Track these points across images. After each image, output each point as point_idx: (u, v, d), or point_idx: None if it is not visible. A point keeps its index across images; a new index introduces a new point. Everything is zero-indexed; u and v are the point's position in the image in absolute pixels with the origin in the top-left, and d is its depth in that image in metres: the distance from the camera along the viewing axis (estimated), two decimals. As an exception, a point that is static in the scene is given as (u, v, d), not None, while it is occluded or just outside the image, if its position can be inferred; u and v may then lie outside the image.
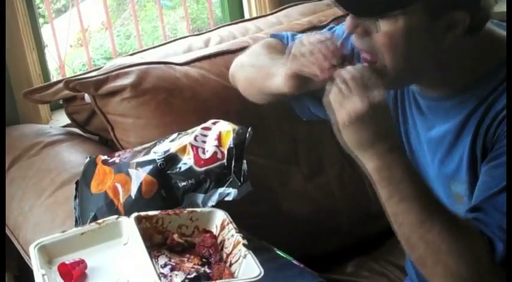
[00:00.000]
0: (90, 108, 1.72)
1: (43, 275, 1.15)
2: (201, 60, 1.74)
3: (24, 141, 1.77)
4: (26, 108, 1.91)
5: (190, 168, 1.33)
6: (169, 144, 1.39)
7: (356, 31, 1.15)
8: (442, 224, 1.07)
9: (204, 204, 1.31)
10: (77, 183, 1.45)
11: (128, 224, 1.24)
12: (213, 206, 1.30)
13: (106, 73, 1.64)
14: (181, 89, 1.65)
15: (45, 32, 2.27)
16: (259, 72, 1.37)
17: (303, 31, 1.86)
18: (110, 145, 1.76)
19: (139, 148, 1.44)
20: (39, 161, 1.70)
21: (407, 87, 1.27)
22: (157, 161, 1.34)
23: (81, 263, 1.20)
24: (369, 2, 1.11)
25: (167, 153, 1.35)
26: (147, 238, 1.21)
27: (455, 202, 1.22)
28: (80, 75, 1.73)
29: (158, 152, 1.37)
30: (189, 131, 1.42)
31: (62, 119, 1.96)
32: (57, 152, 1.72)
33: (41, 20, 2.25)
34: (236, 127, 1.38)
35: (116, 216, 1.28)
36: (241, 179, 1.31)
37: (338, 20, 1.93)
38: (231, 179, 1.31)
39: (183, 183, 1.32)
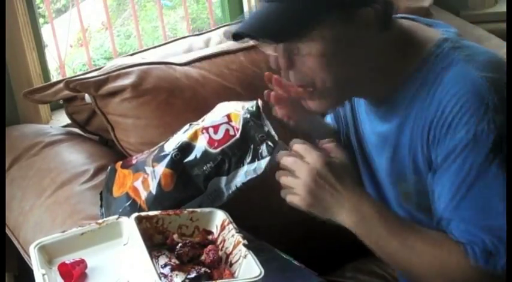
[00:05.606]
0: (90, 108, 1.72)
1: (43, 275, 1.15)
2: (201, 60, 1.74)
3: (24, 141, 1.76)
4: (26, 108, 1.91)
5: (205, 152, 1.31)
6: (182, 136, 1.37)
7: (285, 64, 1.15)
8: (417, 239, 1.14)
9: (228, 187, 1.30)
10: (100, 193, 1.44)
11: (128, 224, 1.24)
12: (212, 207, 1.30)
13: (106, 73, 1.64)
14: (181, 89, 1.65)
15: (45, 32, 2.27)
16: None
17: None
18: (110, 145, 1.76)
19: (154, 148, 1.43)
20: (39, 161, 1.70)
21: (350, 100, 1.30)
22: (171, 152, 1.32)
23: (81, 263, 1.20)
24: (283, 28, 1.11)
25: (179, 143, 1.33)
26: (147, 238, 1.21)
27: (403, 200, 1.25)
28: (80, 75, 1.73)
29: (171, 144, 1.35)
30: (199, 120, 1.40)
31: (62, 119, 1.96)
32: (57, 152, 1.72)
33: (41, 20, 2.25)
34: (243, 103, 1.35)
35: (116, 216, 1.28)
36: (273, 140, 1.28)
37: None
38: (251, 152, 1.29)
39: (203, 169, 1.30)
